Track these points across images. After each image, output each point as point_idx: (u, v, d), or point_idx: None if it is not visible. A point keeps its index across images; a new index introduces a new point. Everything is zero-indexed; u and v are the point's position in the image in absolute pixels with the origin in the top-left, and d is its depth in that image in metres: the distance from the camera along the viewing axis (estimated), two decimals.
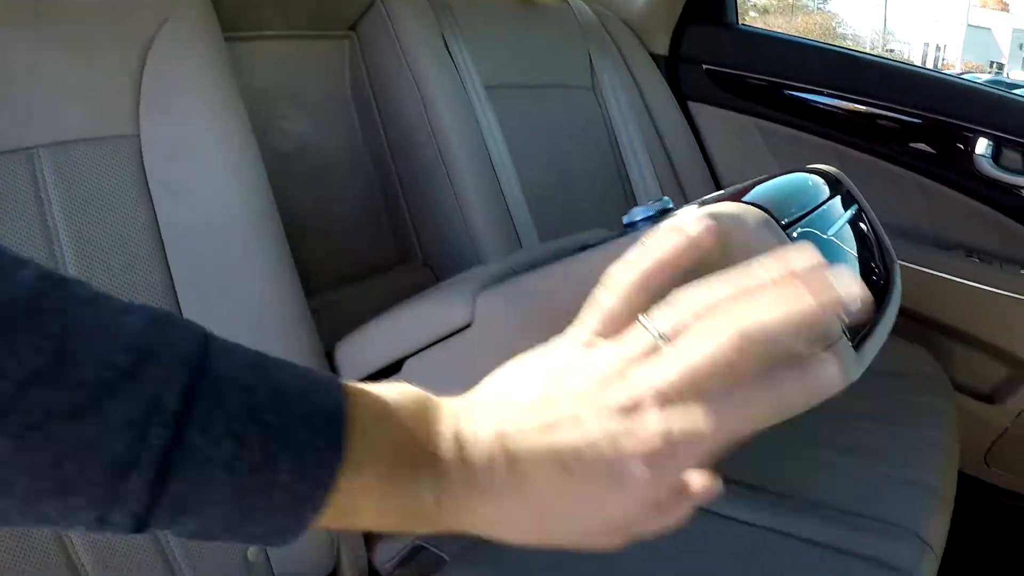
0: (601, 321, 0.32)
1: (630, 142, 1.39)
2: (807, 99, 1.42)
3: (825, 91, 1.40)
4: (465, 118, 1.05)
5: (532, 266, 0.61)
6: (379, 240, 1.14)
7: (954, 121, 1.30)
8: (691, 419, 0.27)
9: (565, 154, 1.28)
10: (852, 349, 0.46)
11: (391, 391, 0.31)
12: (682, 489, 0.30)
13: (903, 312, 1.37)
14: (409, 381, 0.32)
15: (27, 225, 0.62)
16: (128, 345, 0.25)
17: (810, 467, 0.92)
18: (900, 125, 1.34)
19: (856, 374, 0.43)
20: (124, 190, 0.66)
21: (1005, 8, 26.34)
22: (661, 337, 0.29)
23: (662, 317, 0.30)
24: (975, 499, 1.38)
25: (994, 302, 1.27)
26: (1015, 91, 1.55)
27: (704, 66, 1.52)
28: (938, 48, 26.73)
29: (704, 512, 0.64)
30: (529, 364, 0.33)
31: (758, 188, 0.58)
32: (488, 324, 0.62)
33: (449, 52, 1.08)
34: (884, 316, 0.58)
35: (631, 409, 0.28)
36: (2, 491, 0.24)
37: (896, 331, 1.39)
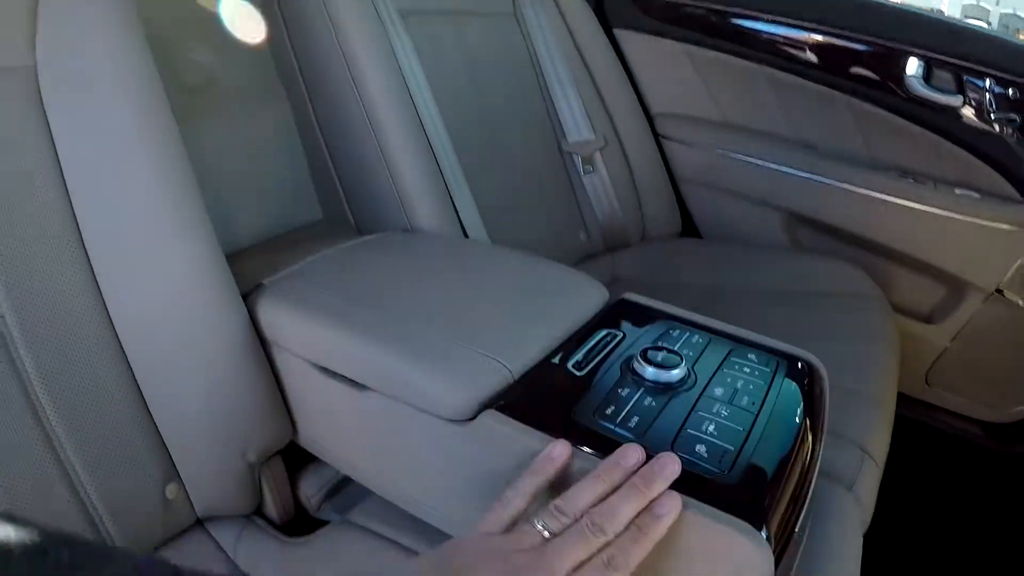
0: (507, 519, 0.46)
1: (555, 71, 1.34)
2: (738, 24, 1.38)
3: (756, 15, 1.37)
4: (379, 45, 0.98)
5: None
6: (297, 182, 1.08)
7: (885, 43, 1.28)
8: None
9: (488, 85, 1.23)
10: None
11: None
12: None
13: (841, 233, 1.38)
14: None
15: None
16: None
17: None
18: (832, 48, 1.32)
19: None
20: (22, 123, 0.60)
21: None
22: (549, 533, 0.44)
23: (549, 519, 0.45)
24: (916, 419, 1.40)
25: (930, 222, 1.27)
26: None
27: None
28: None
29: None
30: (452, 555, 0.43)
31: None
32: None
33: None
34: None
35: None
36: None
37: (834, 252, 1.40)
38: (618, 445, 0.50)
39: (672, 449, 0.50)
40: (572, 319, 0.68)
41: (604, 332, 0.66)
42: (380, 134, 0.98)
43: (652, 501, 0.46)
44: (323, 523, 0.74)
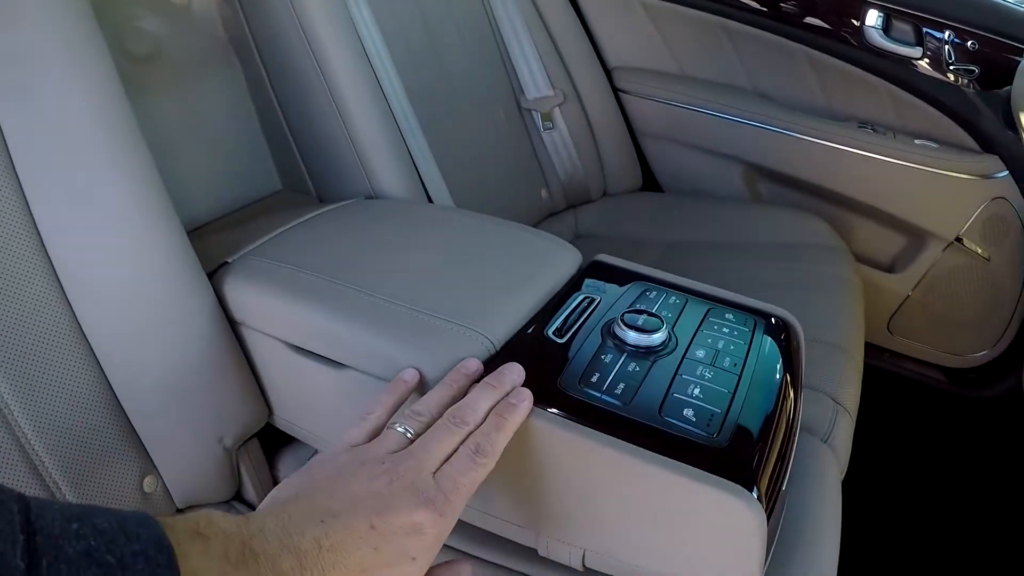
0: (369, 430, 0.48)
1: (512, 27, 1.31)
2: None
3: None
4: (335, 7, 0.94)
5: None
6: (253, 152, 1.04)
7: None
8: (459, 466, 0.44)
9: (446, 45, 1.20)
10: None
11: (199, 514, 0.35)
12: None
13: (801, 185, 1.39)
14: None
15: None
16: None
17: None
18: None
19: None
20: None
21: None
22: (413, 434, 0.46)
23: (409, 422, 0.47)
24: (880, 367, 1.43)
25: (890, 172, 1.28)
26: None
27: None
28: None
29: None
30: (320, 468, 0.44)
31: None
32: None
33: None
34: None
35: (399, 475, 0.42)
36: None
37: (795, 204, 1.41)
38: (607, 414, 0.50)
39: (660, 415, 0.50)
40: (548, 285, 0.67)
41: (581, 296, 0.65)
42: (339, 99, 0.94)
43: (505, 396, 0.50)
44: None
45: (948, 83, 1.22)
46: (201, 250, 0.67)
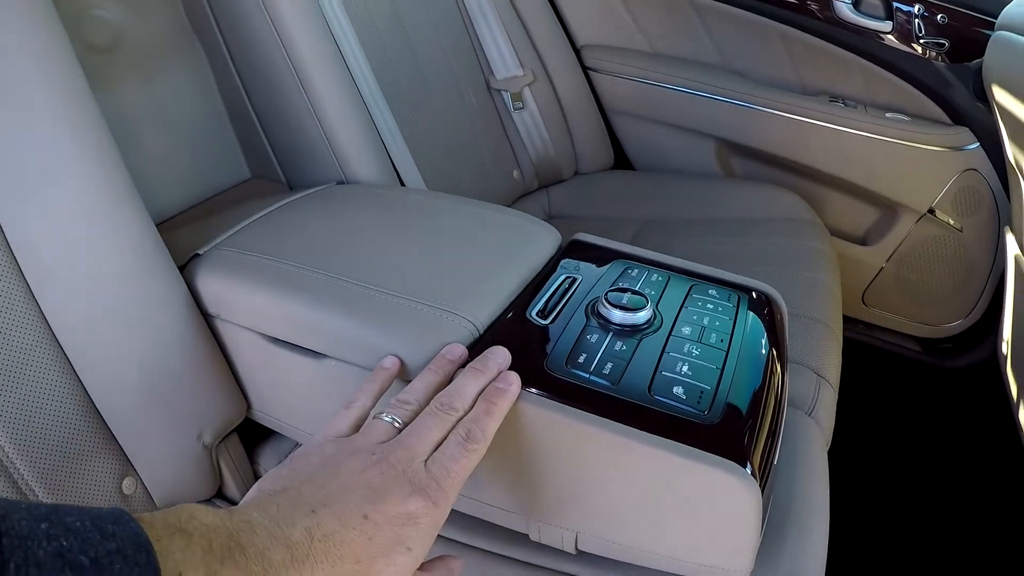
0: (355, 419, 0.47)
1: (479, 6, 1.29)
2: None
3: None
4: None
5: None
6: (220, 141, 1.01)
7: None
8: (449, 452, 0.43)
9: (414, 26, 1.17)
10: None
11: (179, 508, 0.34)
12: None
13: (773, 160, 1.39)
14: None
15: None
16: None
17: None
18: None
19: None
20: None
21: None
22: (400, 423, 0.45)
23: (396, 411, 0.46)
24: (856, 339, 1.44)
25: (862, 146, 1.29)
26: None
27: None
28: None
29: None
30: (306, 459, 0.42)
31: None
32: None
33: None
34: None
35: (391, 463, 0.41)
36: None
37: (767, 179, 1.41)
38: (597, 395, 0.49)
39: (649, 393, 0.49)
40: (528, 265, 0.66)
41: (563, 276, 0.64)
42: (307, 84, 0.92)
43: (492, 380, 0.49)
44: None
45: (918, 56, 1.23)
46: (171, 243, 0.65)
